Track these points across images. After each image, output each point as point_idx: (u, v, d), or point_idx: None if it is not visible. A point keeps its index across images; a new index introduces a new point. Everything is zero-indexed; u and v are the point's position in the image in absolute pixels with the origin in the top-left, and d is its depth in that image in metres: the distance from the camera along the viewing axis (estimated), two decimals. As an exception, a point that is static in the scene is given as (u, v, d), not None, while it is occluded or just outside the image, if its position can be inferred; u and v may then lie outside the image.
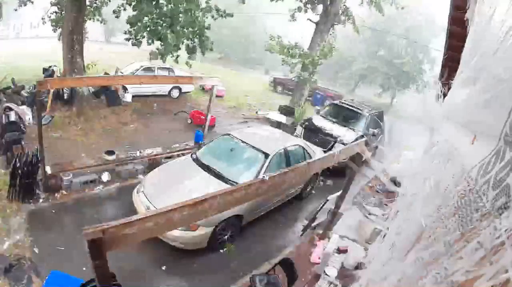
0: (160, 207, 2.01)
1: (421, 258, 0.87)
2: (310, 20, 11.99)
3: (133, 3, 7.95)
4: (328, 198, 4.77)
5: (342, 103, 9.56)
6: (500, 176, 0.65)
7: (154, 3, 7.80)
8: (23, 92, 8.40)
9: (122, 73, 10.78)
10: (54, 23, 10.25)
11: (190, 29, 8.25)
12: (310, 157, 5.66)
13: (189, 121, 9.73)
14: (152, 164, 6.15)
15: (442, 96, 1.45)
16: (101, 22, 11.16)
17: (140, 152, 6.33)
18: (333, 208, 4.83)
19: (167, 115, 10.15)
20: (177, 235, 4.04)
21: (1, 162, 5.69)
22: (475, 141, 0.86)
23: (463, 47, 1.40)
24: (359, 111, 8.84)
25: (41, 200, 4.91)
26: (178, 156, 6.39)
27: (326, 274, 3.97)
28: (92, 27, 16.33)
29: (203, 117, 8.20)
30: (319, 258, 4.28)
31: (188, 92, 12.35)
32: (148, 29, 7.91)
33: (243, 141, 5.42)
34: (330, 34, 11.81)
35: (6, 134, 5.78)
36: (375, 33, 22.59)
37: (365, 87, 28.90)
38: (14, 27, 25.09)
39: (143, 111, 9.83)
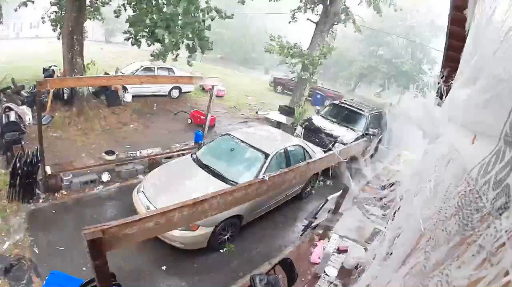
0: (160, 207, 2.01)
1: (423, 265, 0.86)
2: (310, 20, 11.98)
3: (133, 3, 7.96)
4: (328, 198, 4.77)
5: (342, 103, 9.56)
6: (500, 176, 0.65)
7: (154, 3, 7.81)
8: (23, 92, 8.41)
9: (122, 73, 10.78)
10: (53, 23, 10.25)
11: (190, 29, 8.24)
12: (310, 157, 5.66)
13: (189, 121, 9.73)
14: (152, 164, 6.15)
15: (442, 97, 1.45)
16: (100, 20, 11.17)
17: (140, 152, 6.33)
18: (333, 208, 4.83)
19: (167, 115, 10.15)
20: (177, 235, 4.04)
21: (1, 162, 5.69)
22: (475, 141, 0.86)
23: (463, 47, 1.39)
24: (359, 111, 8.83)
25: (41, 200, 4.91)
26: (178, 156, 6.39)
27: (326, 274, 3.96)
28: (92, 27, 16.36)
29: (203, 117, 8.20)
30: (319, 258, 4.28)
31: (188, 92, 12.35)
32: (147, 29, 7.92)
33: (243, 142, 5.42)
34: (330, 34, 11.81)
35: (6, 134, 5.78)
36: (375, 33, 22.59)
37: (365, 87, 28.90)
38: (14, 27, 25.08)
39: (143, 111, 9.83)
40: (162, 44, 8.05)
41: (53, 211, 4.77)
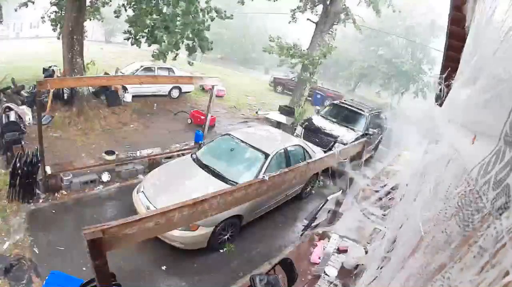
0: (160, 207, 2.01)
1: (423, 266, 0.86)
2: (310, 20, 11.98)
3: (132, 3, 7.97)
4: (328, 198, 4.77)
5: (342, 103, 9.56)
6: (500, 176, 0.65)
7: (153, 3, 7.81)
8: (23, 92, 8.41)
9: (122, 73, 10.77)
10: (53, 23, 10.26)
11: (189, 29, 8.26)
12: (310, 157, 5.66)
13: (189, 121, 9.73)
14: (152, 164, 6.15)
15: (442, 97, 1.45)
16: (99, 20, 11.18)
17: (140, 152, 6.33)
18: (333, 208, 4.82)
19: (167, 115, 10.15)
20: (177, 235, 4.04)
21: (1, 162, 5.69)
22: (475, 141, 0.86)
23: (463, 47, 1.39)
24: (359, 111, 8.83)
25: (41, 200, 4.91)
26: (178, 156, 6.39)
27: (326, 274, 3.96)
28: (92, 27, 16.35)
29: (203, 117, 8.20)
30: (319, 258, 4.28)
31: (188, 92, 12.35)
32: (147, 30, 7.94)
33: (243, 142, 5.41)
34: (329, 34, 11.81)
35: (6, 134, 5.78)
36: (374, 33, 22.59)
37: (365, 87, 28.89)
38: (14, 27, 25.08)
39: (143, 111, 9.83)
40: (161, 46, 8.08)
41: (53, 211, 4.77)
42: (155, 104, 10.53)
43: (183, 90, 11.94)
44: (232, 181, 4.66)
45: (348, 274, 3.91)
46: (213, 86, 6.74)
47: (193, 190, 4.30)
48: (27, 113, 7.31)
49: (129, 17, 8.13)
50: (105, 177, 5.66)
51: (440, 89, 1.46)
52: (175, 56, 8.97)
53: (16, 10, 9.88)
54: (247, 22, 29.76)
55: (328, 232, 4.90)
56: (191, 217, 2.07)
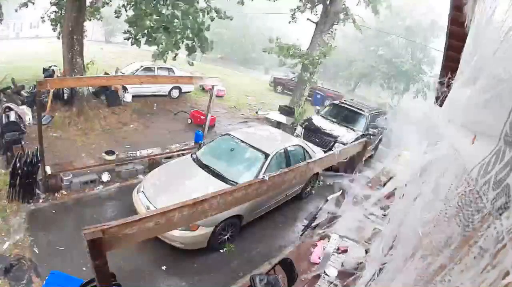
0: (160, 207, 2.01)
1: (424, 268, 0.86)
2: (310, 20, 11.98)
3: (132, 3, 7.97)
4: (328, 198, 4.77)
5: (342, 103, 9.56)
6: (500, 176, 0.65)
7: (152, 4, 7.82)
8: (23, 92, 8.41)
9: (122, 73, 10.77)
10: (53, 22, 10.26)
11: (188, 30, 8.27)
12: (310, 157, 5.66)
13: (189, 121, 9.73)
14: (152, 164, 6.15)
15: (442, 97, 1.45)
16: (99, 19, 11.19)
17: (140, 152, 6.33)
18: (333, 208, 4.82)
19: (167, 115, 10.15)
20: (177, 235, 4.04)
21: (1, 162, 5.69)
22: (475, 141, 0.86)
23: (463, 47, 1.39)
24: (359, 111, 8.83)
25: (41, 200, 4.91)
26: (178, 156, 6.39)
27: (326, 274, 3.96)
28: (92, 27, 16.36)
29: (203, 117, 8.20)
30: (319, 258, 4.28)
31: (188, 92, 12.35)
32: (146, 31, 7.96)
33: (243, 142, 5.41)
34: (329, 34, 11.81)
35: (6, 134, 5.78)
36: (374, 33, 22.58)
37: (365, 87, 28.88)
38: (14, 27, 25.09)
39: (143, 111, 9.83)
40: (160, 47, 8.10)
41: (53, 211, 4.77)
42: (155, 104, 10.54)
43: (183, 90, 11.94)
44: (232, 181, 4.66)
45: (348, 274, 3.91)
46: (213, 86, 6.74)
47: (193, 190, 4.30)
48: (27, 113, 7.31)
49: (128, 17, 8.13)
50: (105, 177, 5.66)
51: (440, 90, 1.46)
52: (175, 56, 8.98)
53: (16, 11, 9.88)
54: (247, 22, 29.75)
55: (328, 232, 4.90)
56: (191, 217, 2.07)
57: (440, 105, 1.52)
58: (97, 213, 4.93)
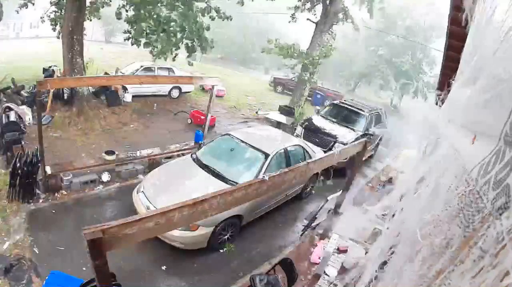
0: (160, 207, 2.01)
1: (424, 269, 0.86)
2: (310, 20, 11.98)
3: (132, 4, 7.99)
4: (328, 198, 4.77)
5: (342, 103, 9.55)
6: (500, 176, 0.65)
7: (151, 7, 7.83)
8: (23, 92, 8.41)
9: (122, 73, 10.77)
10: (53, 22, 10.25)
11: (187, 30, 8.27)
12: (310, 157, 5.66)
13: (189, 121, 9.73)
14: (152, 164, 6.15)
15: (442, 98, 1.45)
16: (98, 19, 11.21)
17: (140, 152, 6.33)
18: (333, 208, 4.82)
19: (167, 115, 10.15)
20: (177, 235, 4.04)
21: (1, 162, 5.69)
22: (475, 141, 0.86)
23: (463, 47, 1.39)
24: (359, 111, 8.82)
25: (41, 200, 4.91)
26: (178, 156, 6.39)
27: (326, 274, 3.97)
28: (92, 27, 16.35)
29: (203, 117, 8.20)
30: (319, 258, 4.28)
31: (188, 92, 12.35)
32: (145, 32, 7.97)
33: (243, 141, 5.41)
34: (329, 34, 11.81)
35: (6, 134, 5.78)
36: (374, 33, 22.57)
37: (365, 87, 28.88)
38: (14, 27, 25.09)
39: (143, 111, 9.83)
40: (158, 48, 8.12)
41: (53, 211, 4.77)
42: (155, 104, 10.53)
43: (183, 90, 11.94)
44: (232, 181, 4.66)
45: (348, 275, 3.91)
46: (213, 86, 6.74)
47: (193, 190, 4.30)
48: (27, 113, 7.31)
49: (128, 17, 8.13)
50: (105, 177, 5.66)
51: (439, 92, 1.46)
52: (175, 57, 8.97)
53: (17, 12, 9.87)
54: (247, 22, 29.74)
55: (328, 232, 4.90)
56: (191, 217, 2.07)
57: (440, 106, 1.52)
58: (97, 213, 4.93)
